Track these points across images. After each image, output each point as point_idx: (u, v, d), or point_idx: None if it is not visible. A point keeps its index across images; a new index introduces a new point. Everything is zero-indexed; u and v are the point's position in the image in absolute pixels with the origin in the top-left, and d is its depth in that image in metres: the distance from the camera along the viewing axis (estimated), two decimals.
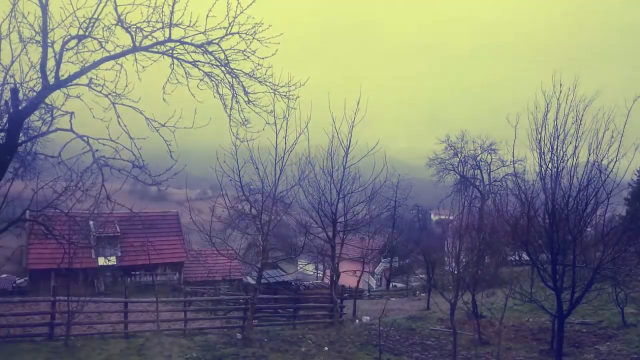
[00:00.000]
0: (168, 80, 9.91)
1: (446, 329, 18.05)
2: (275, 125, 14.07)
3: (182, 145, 10.53)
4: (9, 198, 10.33)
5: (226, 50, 9.86)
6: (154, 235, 35.70)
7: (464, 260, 15.97)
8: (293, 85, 10.92)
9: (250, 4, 9.21)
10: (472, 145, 49.57)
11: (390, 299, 29.18)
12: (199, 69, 10.02)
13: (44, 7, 8.54)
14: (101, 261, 34.63)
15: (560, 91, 11.26)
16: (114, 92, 9.44)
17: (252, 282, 31.98)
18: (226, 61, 10.00)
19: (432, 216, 75.50)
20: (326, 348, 15.37)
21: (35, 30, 8.84)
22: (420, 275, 37.10)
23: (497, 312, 17.09)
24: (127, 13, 9.01)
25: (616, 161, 10.71)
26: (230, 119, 10.83)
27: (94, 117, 9.40)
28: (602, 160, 10.96)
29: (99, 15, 8.87)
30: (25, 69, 9.25)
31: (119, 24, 9.07)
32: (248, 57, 9.96)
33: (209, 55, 9.87)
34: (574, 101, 11.20)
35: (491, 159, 49.37)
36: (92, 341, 14.00)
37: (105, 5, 8.78)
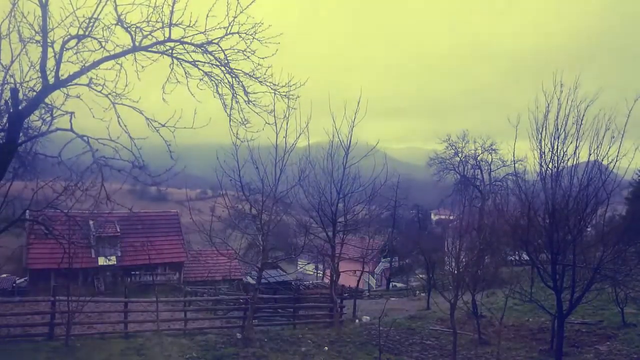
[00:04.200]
0: (168, 80, 9.90)
1: (446, 329, 18.05)
2: (276, 125, 14.06)
3: (182, 145, 10.53)
4: (9, 198, 10.31)
5: (226, 50, 9.85)
6: (154, 235, 35.77)
7: (464, 260, 15.96)
8: (293, 85, 10.91)
9: (250, 4, 9.19)
10: (472, 145, 49.68)
11: (390, 298, 29.15)
12: (199, 68, 10.00)
13: (44, 7, 8.53)
14: (101, 261, 34.62)
15: (561, 91, 11.28)
16: (113, 92, 9.43)
17: (252, 282, 32.00)
18: (226, 61, 9.99)
19: (432, 216, 75.61)
20: (326, 348, 15.36)
21: (35, 30, 8.83)
22: (420, 275, 37.11)
23: (497, 312, 17.11)
24: (127, 13, 9.00)
25: (617, 161, 10.72)
26: (230, 119, 10.82)
27: (94, 117, 9.39)
28: (602, 160, 10.98)
29: (98, 15, 8.85)
30: (25, 69, 9.23)
31: (119, 23, 9.06)
32: (248, 57, 9.95)
33: (209, 55, 9.86)
34: (574, 101, 11.23)
35: (492, 159, 49.47)
36: (92, 341, 14.00)
37: (105, 5, 8.77)
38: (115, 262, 34.84)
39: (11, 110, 9.02)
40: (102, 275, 34.57)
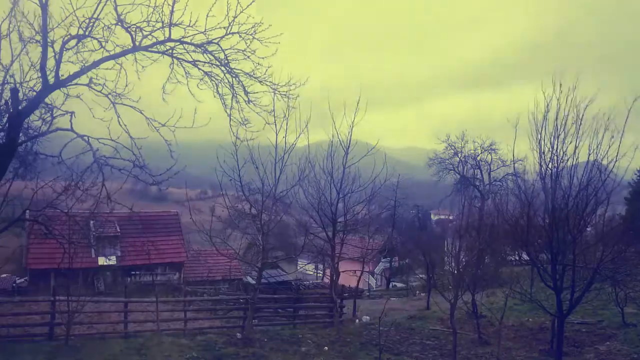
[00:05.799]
0: (168, 79, 9.92)
1: (446, 329, 18.05)
2: (275, 125, 14.09)
3: (183, 145, 10.54)
4: (9, 198, 10.32)
5: (226, 49, 9.88)
6: (154, 235, 35.67)
7: (464, 260, 15.97)
8: (293, 84, 10.93)
9: (250, 4, 9.22)
10: (472, 145, 49.56)
11: (390, 298, 29.11)
12: (199, 68, 10.03)
13: (44, 7, 8.54)
14: (101, 261, 34.58)
15: (561, 91, 11.27)
16: (114, 92, 9.46)
17: (252, 282, 31.98)
18: (226, 61, 10.01)
19: (432, 216, 75.66)
20: (326, 348, 15.36)
21: (35, 30, 8.86)
22: (420, 275, 37.13)
23: (497, 312, 17.08)
24: (127, 13, 9.04)
25: (616, 161, 10.72)
26: (230, 119, 10.85)
27: (94, 116, 9.43)
28: (602, 160, 10.98)
29: (99, 15, 8.89)
30: (26, 69, 9.29)
31: (119, 23, 9.07)
32: (248, 57, 9.97)
33: (209, 55, 9.88)
34: (574, 101, 11.22)
35: (491, 159, 49.35)
36: (92, 341, 14.00)
37: (105, 4, 8.79)
38: (115, 262, 34.78)
39: (11, 110, 9.04)
40: (102, 275, 34.53)
